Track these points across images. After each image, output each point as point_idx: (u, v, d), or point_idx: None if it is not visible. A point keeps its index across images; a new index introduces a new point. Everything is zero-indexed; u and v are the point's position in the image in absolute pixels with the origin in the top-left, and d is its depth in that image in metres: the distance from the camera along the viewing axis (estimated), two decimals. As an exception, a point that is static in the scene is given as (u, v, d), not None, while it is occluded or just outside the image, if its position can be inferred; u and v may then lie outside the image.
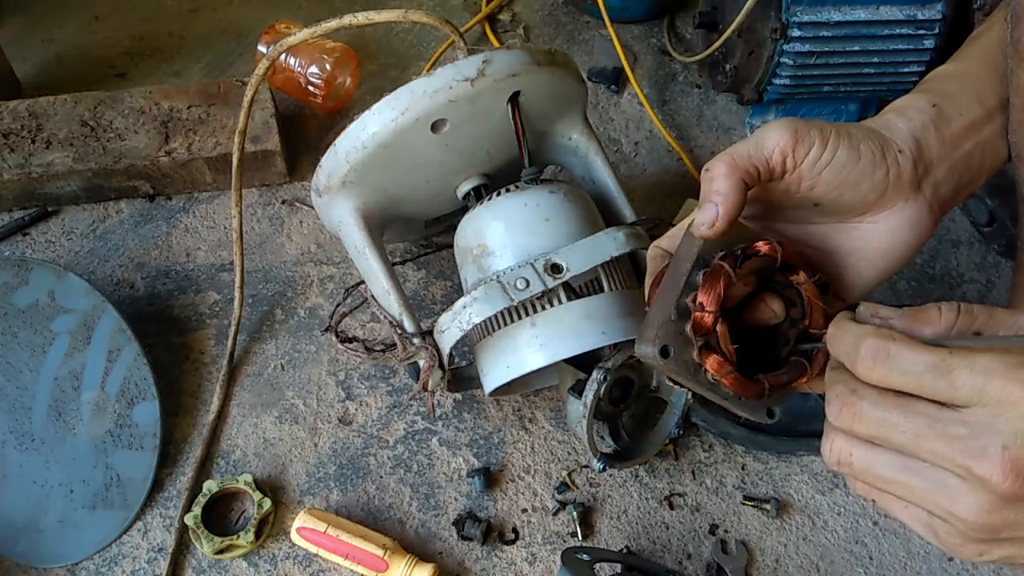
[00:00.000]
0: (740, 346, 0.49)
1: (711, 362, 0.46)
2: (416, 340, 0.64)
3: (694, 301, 0.46)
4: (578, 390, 0.64)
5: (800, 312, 0.50)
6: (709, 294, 0.46)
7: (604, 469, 0.67)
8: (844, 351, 0.41)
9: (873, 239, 0.51)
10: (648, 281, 0.53)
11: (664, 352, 0.46)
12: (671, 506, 0.74)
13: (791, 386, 0.49)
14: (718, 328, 0.46)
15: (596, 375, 0.63)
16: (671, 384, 0.53)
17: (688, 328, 0.46)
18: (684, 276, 0.47)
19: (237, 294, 0.80)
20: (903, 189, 0.50)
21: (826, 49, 0.87)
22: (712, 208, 0.46)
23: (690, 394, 0.70)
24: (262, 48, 0.97)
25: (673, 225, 0.54)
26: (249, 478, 0.72)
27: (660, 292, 0.48)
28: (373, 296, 0.68)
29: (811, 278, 0.49)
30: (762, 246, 0.48)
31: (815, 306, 0.49)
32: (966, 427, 0.36)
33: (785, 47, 0.87)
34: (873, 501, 0.42)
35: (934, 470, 0.38)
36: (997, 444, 0.35)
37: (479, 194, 0.70)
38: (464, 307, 0.61)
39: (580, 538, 0.72)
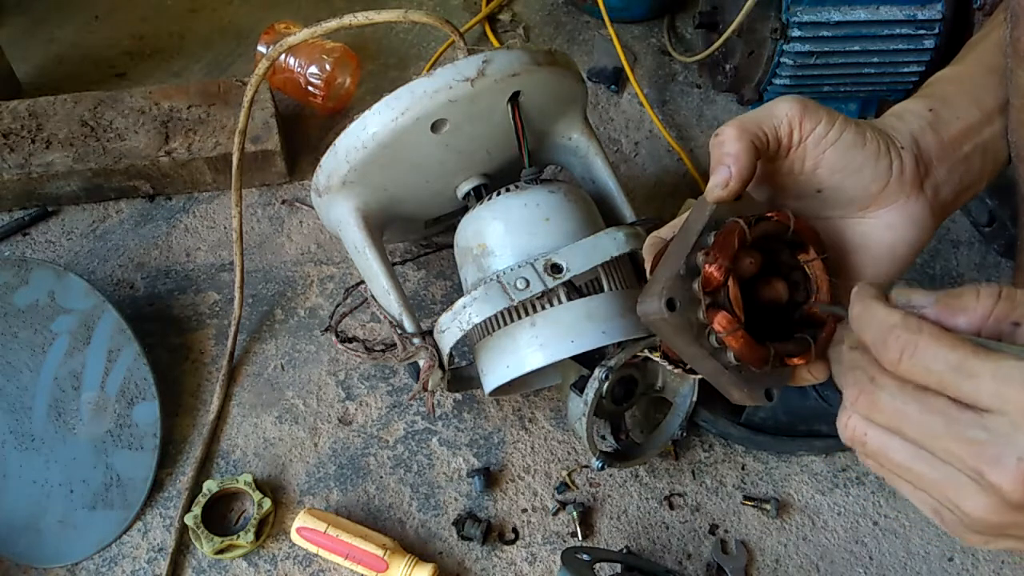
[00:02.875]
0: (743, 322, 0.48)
1: (720, 319, 0.45)
2: (416, 340, 0.64)
3: (706, 254, 0.45)
4: (580, 386, 0.64)
5: (804, 295, 0.49)
6: (723, 248, 0.45)
7: (603, 468, 0.67)
8: (871, 337, 0.40)
9: (876, 235, 0.51)
10: (648, 261, 0.52)
11: (671, 304, 0.44)
12: (671, 506, 0.74)
13: (789, 364, 0.48)
14: (729, 283, 0.45)
15: (598, 373, 0.63)
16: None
17: (697, 284, 0.45)
18: (695, 236, 0.46)
19: (237, 294, 0.80)
20: (905, 185, 0.50)
21: (826, 49, 0.87)
22: (725, 170, 0.47)
23: (695, 396, 0.70)
24: (262, 48, 0.97)
25: None
26: (249, 478, 0.72)
27: (666, 256, 0.48)
28: (373, 296, 0.68)
29: (820, 255, 0.49)
30: (776, 213, 0.48)
31: (822, 282, 0.49)
32: (985, 432, 0.36)
33: (785, 47, 0.87)
34: (882, 477, 0.42)
35: (947, 466, 0.37)
36: (1013, 455, 0.35)
37: (479, 194, 0.70)
38: (464, 307, 0.61)
39: (580, 538, 0.72)
